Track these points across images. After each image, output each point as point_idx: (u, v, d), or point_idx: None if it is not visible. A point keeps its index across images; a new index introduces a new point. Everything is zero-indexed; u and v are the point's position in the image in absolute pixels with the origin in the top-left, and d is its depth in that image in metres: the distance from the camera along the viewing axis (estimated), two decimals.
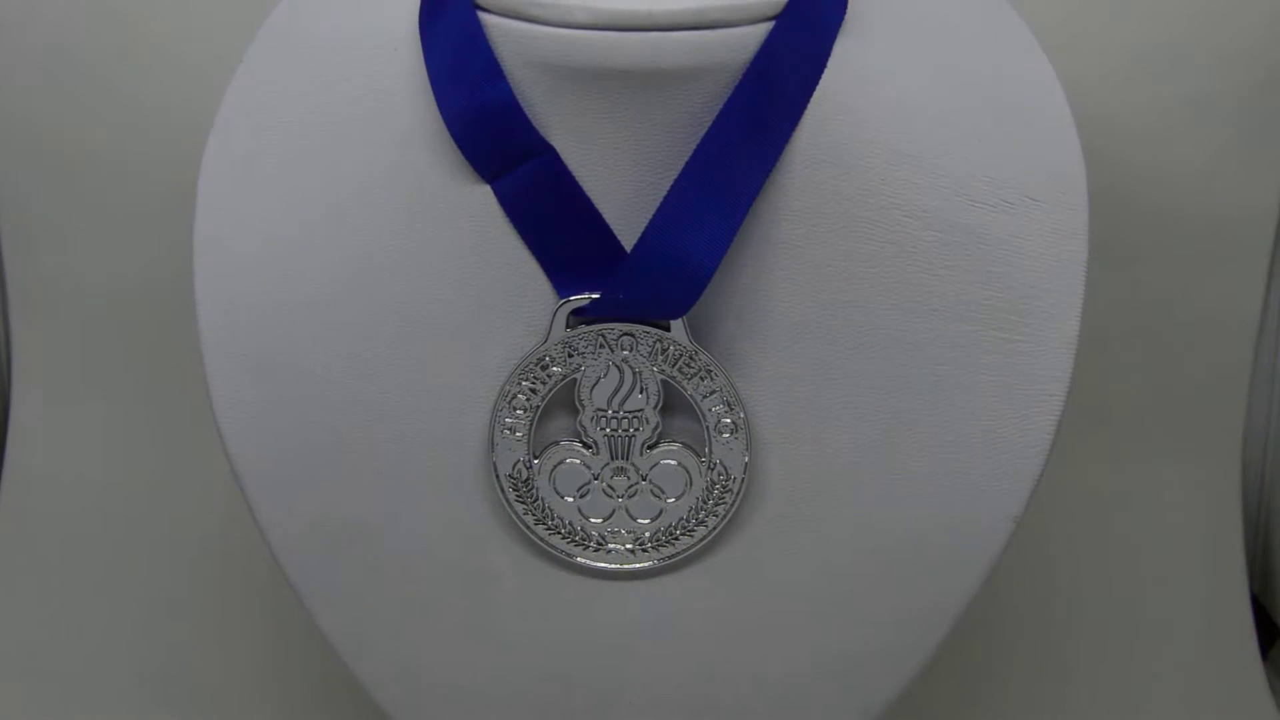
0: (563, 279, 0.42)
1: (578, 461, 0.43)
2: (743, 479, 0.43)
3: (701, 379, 0.42)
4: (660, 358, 0.42)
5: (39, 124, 0.63)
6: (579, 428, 0.43)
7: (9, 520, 0.66)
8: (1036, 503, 0.43)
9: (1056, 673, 0.64)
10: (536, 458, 0.43)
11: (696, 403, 0.42)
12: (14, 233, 0.64)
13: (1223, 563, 0.66)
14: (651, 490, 0.43)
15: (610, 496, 0.43)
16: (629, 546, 0.44)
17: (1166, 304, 0.64)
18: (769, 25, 0.41)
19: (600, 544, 0.44)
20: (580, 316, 0.42)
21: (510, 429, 0.43)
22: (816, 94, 0.42)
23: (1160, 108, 0.62)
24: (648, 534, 0.43)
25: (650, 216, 0.41)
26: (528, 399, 0.42)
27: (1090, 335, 0.44)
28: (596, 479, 0.43)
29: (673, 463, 0.43)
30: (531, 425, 0.43)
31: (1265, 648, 0.67)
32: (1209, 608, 0.65)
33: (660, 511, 0.43)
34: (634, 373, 0.42)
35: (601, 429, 0.43)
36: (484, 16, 0.42)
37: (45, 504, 0.65)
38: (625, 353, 0.42)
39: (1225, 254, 0.64)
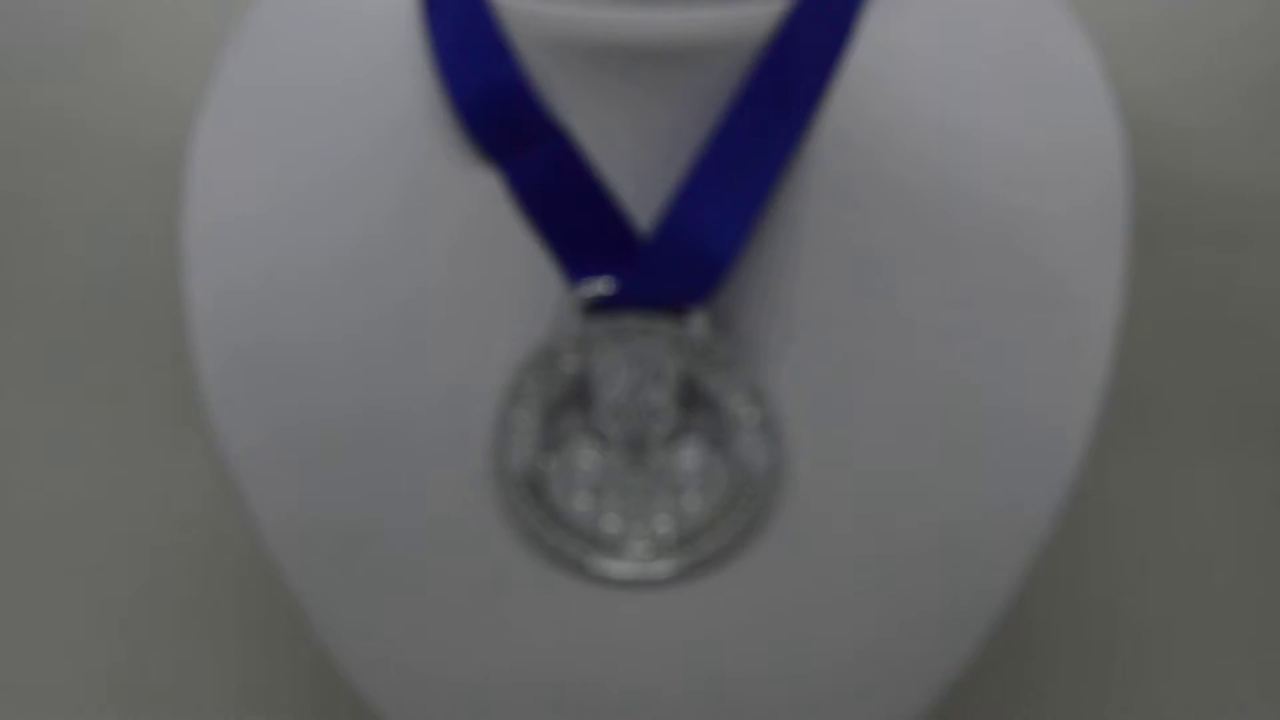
0: (574, 266, 0.41)
1: (592, 460, 0.41)
2: (767, 476, 0.41)
3: (723, 371, 0.40)
4: (679, 349, 0.40)
5: (14, 112, 0.61)
6: (593, 424, 0.41)
7: None
8: (1072, 499, 0.42)
9: (1095, 678, 0.63)
10: (548, 456, 0.41)
11: (718, 396, 0.41)
12: None
13: (1268, 559, 0.65)
14: (671, 489, 0.41)
15: (626, 496, 0.41)
16: (646, 550, 0.42)
17: (1206, 293, 0.63)
18: None
19: (615, 547, 0.42)
20: (593, 306, 0.40)
21: (519, 426, 0.41)
22: (846, 69, 0.40)
23: (1191, 92, 0.61)
24: (666, 535, 0.41)
25: (667, 200, 0.39)
26: (538, 393, 0.41)
27: (1126, 325, 0.42)
28: (612, 478, 0.41)
29: (693, 459, 0.41)
30: (542, 422, 0.41)
31: None
32: (1254, 607, 0.64)
33: (680, 512, 0.41)
34: (651, 365, 0.40)
35: (617, 425, 0.41)
36: None
37: (27, 508, 0.64)
38: (642, 343, 0.40)
39: (1266, 241, 0.62)
